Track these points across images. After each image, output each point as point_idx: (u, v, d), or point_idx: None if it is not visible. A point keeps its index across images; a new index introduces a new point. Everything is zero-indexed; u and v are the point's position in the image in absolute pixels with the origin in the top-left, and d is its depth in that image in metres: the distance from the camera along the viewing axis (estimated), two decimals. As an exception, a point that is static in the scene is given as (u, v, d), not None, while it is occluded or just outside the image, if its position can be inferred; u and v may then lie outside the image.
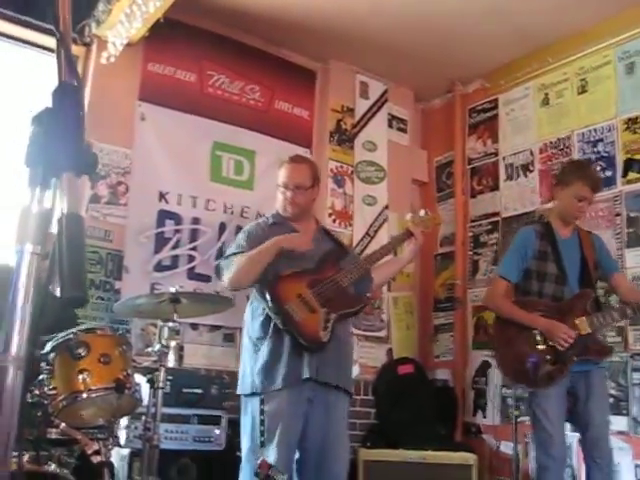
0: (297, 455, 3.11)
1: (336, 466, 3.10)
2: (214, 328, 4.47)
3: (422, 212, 3.47)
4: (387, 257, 3.40)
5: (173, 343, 3.03)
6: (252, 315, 3.18)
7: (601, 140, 4.47)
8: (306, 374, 3.02)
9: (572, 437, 4.23)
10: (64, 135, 1.03)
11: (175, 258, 4.43)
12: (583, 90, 4.64)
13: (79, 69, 4.35)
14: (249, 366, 3.11)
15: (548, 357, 3.31)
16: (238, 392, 3.17)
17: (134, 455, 3.37)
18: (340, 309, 3.15)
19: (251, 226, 3.37)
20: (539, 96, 4.94)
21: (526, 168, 4.94)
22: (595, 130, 4.51)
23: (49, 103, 1.05)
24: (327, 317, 3.08)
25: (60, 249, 0.98)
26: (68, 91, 1.06)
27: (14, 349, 0.99)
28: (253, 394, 3.05)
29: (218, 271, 3.64)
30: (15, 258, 1.04)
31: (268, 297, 3.02)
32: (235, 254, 3.16)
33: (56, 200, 1.04)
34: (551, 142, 4.79)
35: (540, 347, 3.33)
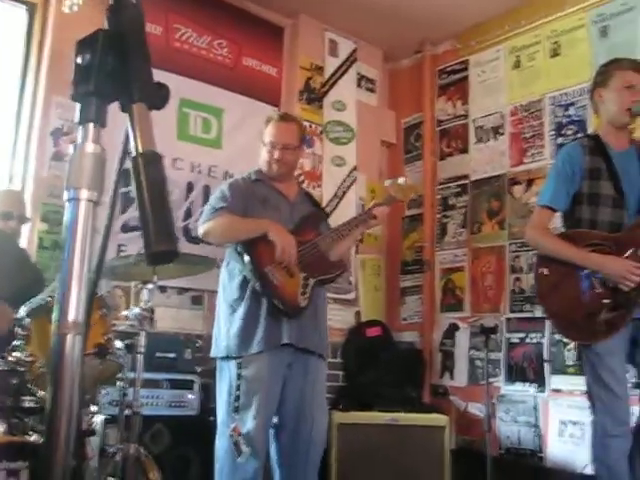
0: (274, 419, 3.07)
1: (315, 430, 3.08)
2: (182, 291, 4.36)
3: (401, 179, 3.39)
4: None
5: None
6: (229, 276, 3.10)
7: (572, 104, 4.46)
8: (285, 339, 2.98)
9: (534, 396, 4.33)
10: (130, 58, 0.90)
11: (142, 219, 4.27)
12: (555, 54, 4.62)
13: (37, 19, 4.12)
14: (225, 328, 3.04)
15: (606, 301, 2.72)
16: (212, 355, 3.10)
17: (107, 422, 3.27)
18: (319, 274, 3.10)
19: (234, 180, 3.30)
20: (511, 58, 4.90)
21: (496, 131, 4.92)
22: (567, 94, 4.50)
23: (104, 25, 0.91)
24: (306, 282, 3.03)
25: (140, 195, 0.86)
26: (128, 7, 0.92)
27: (71, 315, 0.88)
28: (228, 357, 2.99)
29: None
30: (67, 207, 0.91)
31: (247, 259, 2.95)
32: (222, 208, 3.06)
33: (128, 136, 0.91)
34: (522, 105, 4.77)
35: (596, 290, 2.75)
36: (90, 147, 0.92)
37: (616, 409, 2.76)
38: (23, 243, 3.77)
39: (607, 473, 2.78)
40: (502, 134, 4.87)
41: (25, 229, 3.77)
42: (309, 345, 3.05)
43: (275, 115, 3.31)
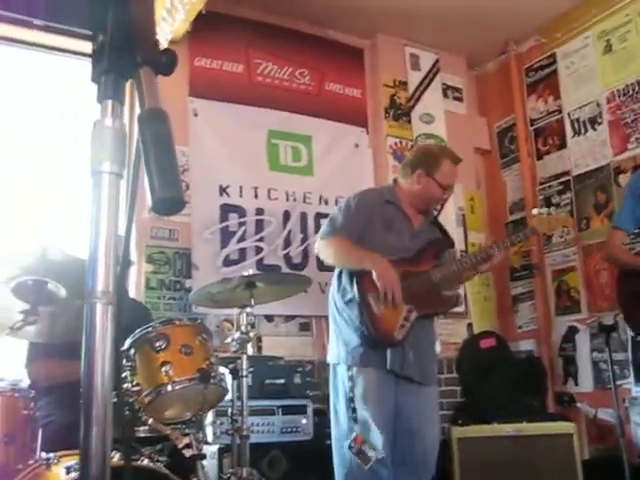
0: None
1: (428, 447, 2.99)
2: (289, 318, 4.40)
3: (544, 209, 3.28)
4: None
5: (251, 334, 2.95)
6: (341, 293, 3.05)
7: (674, 80, 4.21)
8: (389, 366, 2.92)
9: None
10: (135, 31, 0.92)
11: (242, 251, 4.37)
12: (649, 30, 4.38)
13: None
14: (335, 335, 3.05)
15: None
16: (327, 361, 3.11)
17: (223, 451, 3.31)
18: (424, 309, 3.01)
19: (367, 194, 3.24)
20: (600, 44, 4.68)
21: (594, 121, 4.70)
22: (667, 70, 4.25)
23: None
24: (407, 315, 2.95)
25: (145, 148, 0.87)
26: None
27: (100, 285, 0.90)
28: (340, 364, 2.99)
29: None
30: (91, 181, 0.94)
31: (355, 281, 2.93)
32: (341, 229, 3.02)
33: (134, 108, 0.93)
34: (618, 90, 4.54)
35: None
36: (109, 121, 0.93)
37: None
38: (131, 285, 3.94)
39: None
40: (600, 123, 4.65)
41: (132, 271, 3.94)
42: (413, 375, 2.96)
43: (450, 155, 3.20)
